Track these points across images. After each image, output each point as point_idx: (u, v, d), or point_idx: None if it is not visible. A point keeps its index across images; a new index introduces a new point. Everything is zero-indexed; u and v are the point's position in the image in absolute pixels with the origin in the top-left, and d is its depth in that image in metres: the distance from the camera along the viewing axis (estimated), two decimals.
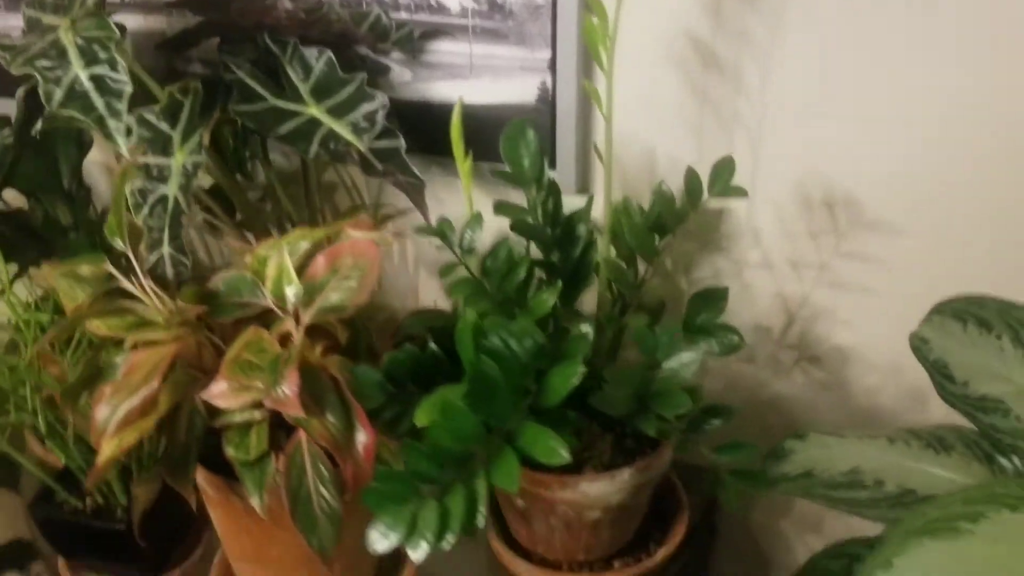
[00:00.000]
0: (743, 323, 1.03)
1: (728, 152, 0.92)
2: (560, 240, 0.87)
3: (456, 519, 0.63)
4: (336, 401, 0.70)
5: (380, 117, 0.88)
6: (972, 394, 0.69)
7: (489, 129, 0.93)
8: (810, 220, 0.94)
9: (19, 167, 1.00)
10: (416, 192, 0.87)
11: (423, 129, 0.99)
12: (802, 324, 1.00)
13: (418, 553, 0.62)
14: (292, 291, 0.73)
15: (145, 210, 0.88)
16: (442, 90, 0.99)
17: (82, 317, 0.79)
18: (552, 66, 0.93)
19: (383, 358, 0.73)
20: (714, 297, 0.87)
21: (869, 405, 1.02)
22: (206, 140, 0.88)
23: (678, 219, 0.82)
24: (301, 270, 0.75)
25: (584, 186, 1.00)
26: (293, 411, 0.67)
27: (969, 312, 0.73)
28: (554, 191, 0.86)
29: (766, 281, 0.99)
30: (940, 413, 0.99)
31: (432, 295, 1.14)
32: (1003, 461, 0.68)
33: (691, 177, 0.83)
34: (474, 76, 0.97)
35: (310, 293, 0.73)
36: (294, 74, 0.91)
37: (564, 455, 0.65)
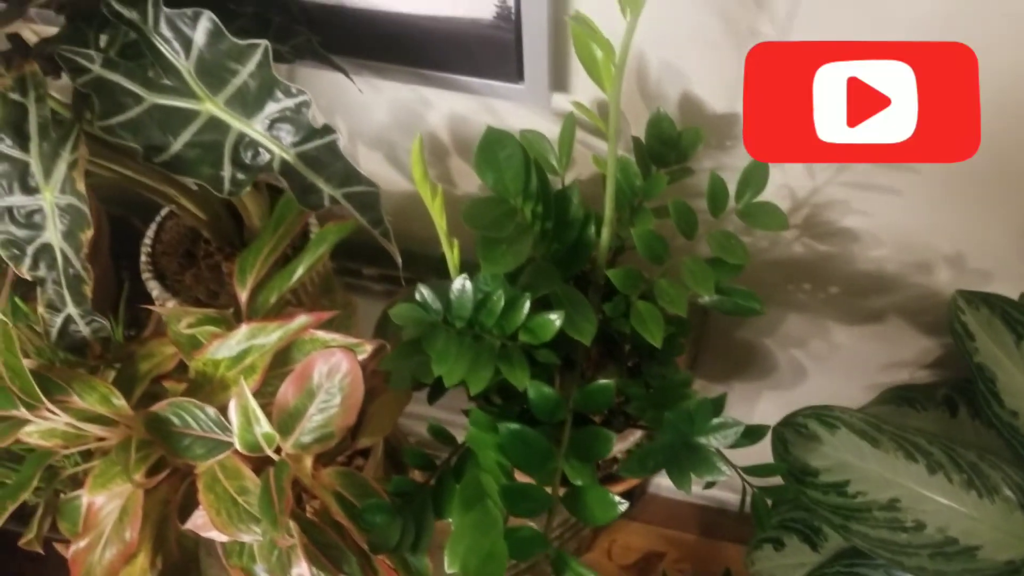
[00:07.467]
0: None
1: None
2: (555, 230, 0.72)
3: None
4: (350, 557, 0.62)
5: (308, 113, 0.66)
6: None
7: (434, 43, 0.76)
8: None
9: None
10: (366, 207, 0.67)
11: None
12: (810, 210, 0.89)
13: None
14: (263, 436, 0.60)
15: (27, 261, 0.70)
16: None
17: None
18: None
19: (388, 482, 0.63)
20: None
21: (872, 271, 0.95)
22: (79, 174, 0.66)
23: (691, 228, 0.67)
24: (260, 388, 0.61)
25: (559, 82, 0.80)
26: None
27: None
28: (544, 196, 0.68)
29: (774, 174, 0.86)
30: (945, 279, 0.94)
31: None
32: None
33: (715, 185, 0.67)
34: None
35: (285, 428, 0.61)
36: (166, 48, 0.65)
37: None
